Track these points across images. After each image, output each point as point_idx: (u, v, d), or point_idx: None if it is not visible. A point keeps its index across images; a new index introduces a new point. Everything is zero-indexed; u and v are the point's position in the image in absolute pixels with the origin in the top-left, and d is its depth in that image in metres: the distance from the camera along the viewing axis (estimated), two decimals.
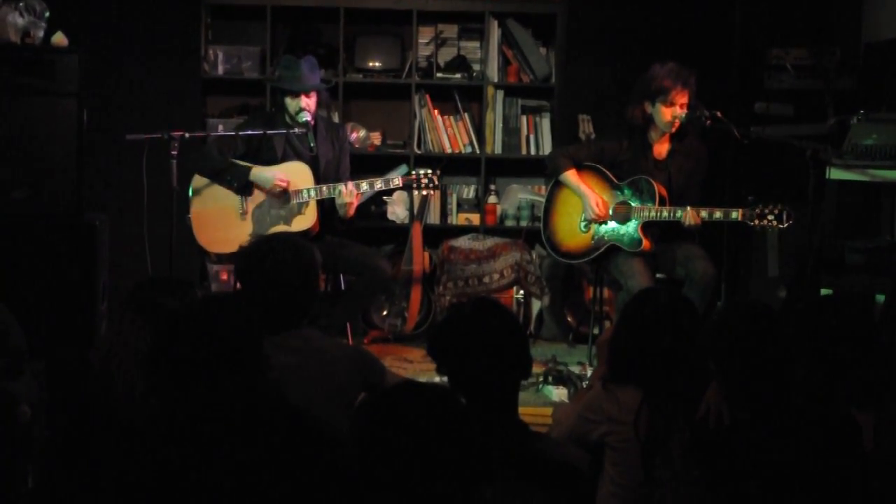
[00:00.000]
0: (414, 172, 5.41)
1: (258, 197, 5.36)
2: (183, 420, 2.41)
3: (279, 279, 3.36)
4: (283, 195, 5.30)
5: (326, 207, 5.39)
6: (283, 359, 3.21)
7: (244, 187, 5.33)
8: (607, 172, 5.38)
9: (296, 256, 3.41)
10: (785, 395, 2.83)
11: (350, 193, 5.26)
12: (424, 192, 5.47)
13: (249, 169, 5.31)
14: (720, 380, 2.93)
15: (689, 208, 5.10)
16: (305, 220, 5.32)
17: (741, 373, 2.86)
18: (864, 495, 2.63)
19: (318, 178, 5.36)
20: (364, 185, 5.33)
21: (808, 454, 2.64)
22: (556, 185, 5.54)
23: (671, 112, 5.18)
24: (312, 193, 5.29)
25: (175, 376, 2.48)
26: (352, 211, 5.32)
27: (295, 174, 5.33)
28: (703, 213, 5.08)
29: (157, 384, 2.53)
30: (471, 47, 6.72)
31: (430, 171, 5.38)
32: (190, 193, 5.39)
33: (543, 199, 5.65)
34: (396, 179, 5.40)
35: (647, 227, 5.25)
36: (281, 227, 5.31)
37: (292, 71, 5.36)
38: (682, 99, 5.18)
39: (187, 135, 5.02)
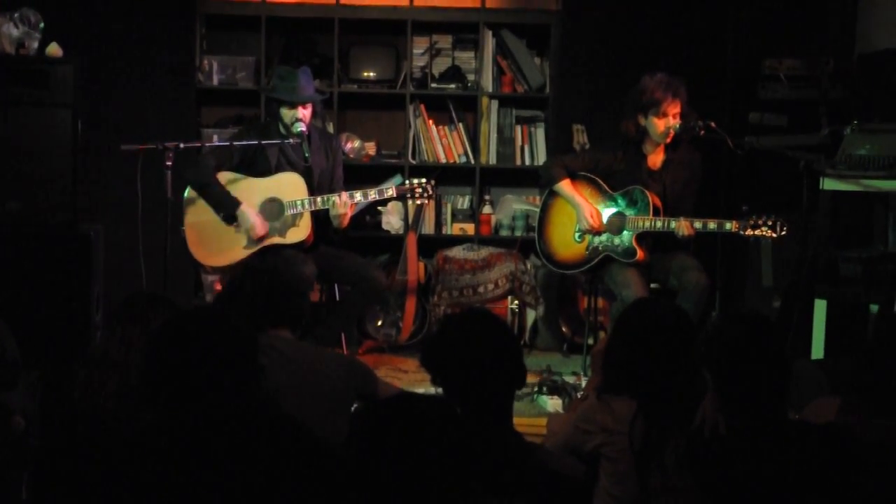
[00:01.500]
0: (408, 182, 5.42)
1: (251, 209, 5.35)
2: (178, 431, 2.41)
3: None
4: (257, 241, 5.31)
5: (321, 218, 5.39)
6: (271, 369, 3.25)
7: (228, 218, 5.33)
8: (602, 183, 5.39)
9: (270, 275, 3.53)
10: (781, 405, 2.83)
11: (344, 204, 5.26)
12: (419, 202, 5.47)
13: (238, 205, 5.29)
14: (716, 390, 2.93)
15: (682, 219, 5.10)
16: (300, 232, 5.31)
17: (737, 383, 2.86)
18: None
19: (312, 189, 5.36)
20: (358, 196, 5.32)
21: (803, 464, 2.64)
22: (551, 196, 5.54)
23: (664, 123, 5.19)
24: (306, 205, 5.28)
25: (172, 387, 2.48)
26: (346, 221, 5.32)
27: (288, 185, 5.33)
28: (697, 224, 5.08)
29: (151, 395, 2.52)
30: (465, 57, 6.73)
31: (424, 181, 5.39)
32: (184, 205, 5.38)
33: (538, 210, 5.65)
34: (391, 189, 5.40)
35: (642, 237, 5.25)
36: (276, 239, 5.31)
37: (289, 82, 5.35)
38: (675, 109, 5.18)
39: (182, 145, 5.02)
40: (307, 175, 5.39)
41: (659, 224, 5.16)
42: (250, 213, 5.28)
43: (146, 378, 2.54)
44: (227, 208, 5.30)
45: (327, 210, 5.30)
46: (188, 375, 2.47)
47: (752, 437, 2.75)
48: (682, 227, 5.08)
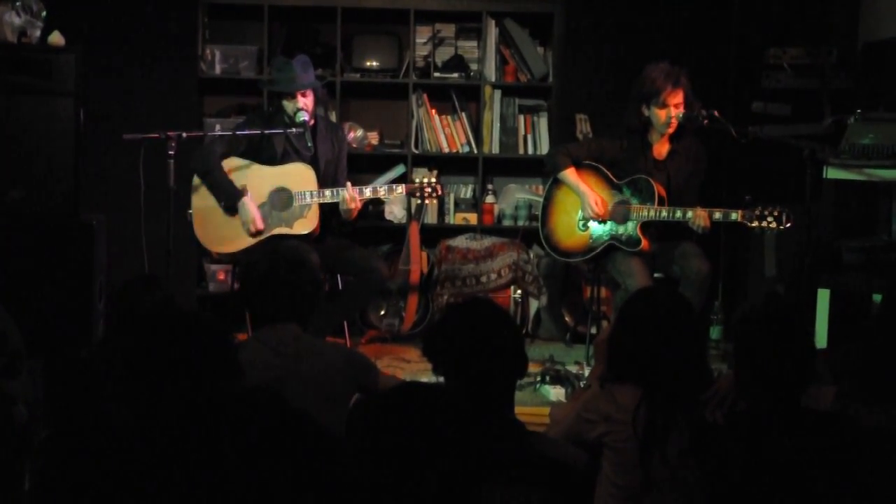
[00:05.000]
0: (417, 182, 5.43)
1: (259, 197, 5.36)
2: (166, 423, 2.42)
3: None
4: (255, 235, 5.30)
5: (327, 210, 5.40)
6: (275, 360, 3.27)
7: (230, 209, 5.33)
8: (606, 171, 5.38)
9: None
10: (797, 393, 2.82)
11: (353, 199, 5.27)
12: (427, 202, 5.51)
13: (239, 197, 5.29)
14: (741, 369, 2.90)
15: (699, 209, 5.06)
16: (307, 223, 5.31)
17: (766, 366, 2.82)
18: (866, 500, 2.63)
19: (319, 179, 5.36)
20: (367, 192, 5.34)
21: (810, 453, 2.64)
22: (555, 184, 5.53)
23: (666, 113, 5.17)
24: (315, 196, 5.29)
25: (150, 382, 2.50)
26: (354, 214, 5.34)
27: (298, 176, 5.33)
28: (717, 215, 5.04)
29: (130, 390, 2.54)
30: (468, 47, 6.72)
31: (433, 181, 5.42)
32: (191, 189, 5.37)
33: (541, 199, 5.64)
34: (400, 189, 5.42)
35: (646, 226, 5.24)
36: (282, 229, 5.32)
37: (285, 72, 5.36)
38: (677, 99, 5.17)
39: (184, 134, 5.03)
40: (313, 164, 5.39)
41: (664, 213, 5.15)
42: (251, 206, 5.28)
43: (125, 374, 2.57)
44: (229, 199, 5.30)
45: (335, 202, 5.31)
46: (166, 370, 2.50)
47: (762, 423, 2.74)
48: (700, 217, 5.05)
